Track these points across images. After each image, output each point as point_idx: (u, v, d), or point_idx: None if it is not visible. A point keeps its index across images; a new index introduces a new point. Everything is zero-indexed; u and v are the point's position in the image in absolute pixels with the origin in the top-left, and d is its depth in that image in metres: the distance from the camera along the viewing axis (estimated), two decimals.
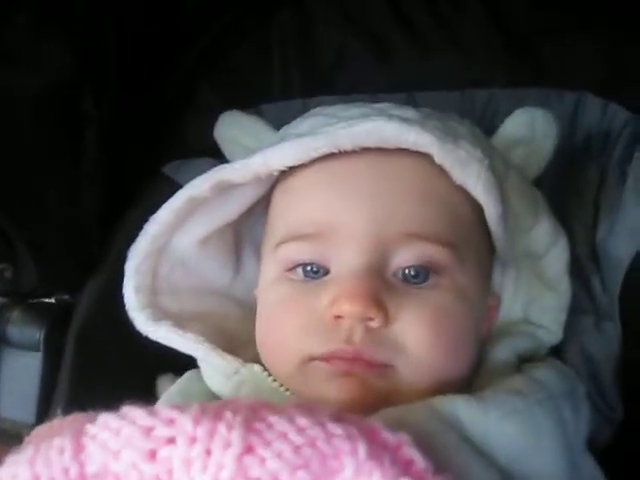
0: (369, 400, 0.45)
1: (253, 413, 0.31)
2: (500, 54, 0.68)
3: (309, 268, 0.50)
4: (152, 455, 0.30)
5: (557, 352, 0.58)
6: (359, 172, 0.50)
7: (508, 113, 0.61)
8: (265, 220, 0.58)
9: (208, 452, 0.29)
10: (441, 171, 0.49)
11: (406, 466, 0.32)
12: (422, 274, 0.48)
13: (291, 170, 0.52)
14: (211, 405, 0.32)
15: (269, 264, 0.53)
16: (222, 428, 0.30)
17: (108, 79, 0.62)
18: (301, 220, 0.51)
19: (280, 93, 0.73)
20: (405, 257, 0.48)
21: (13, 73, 0.53)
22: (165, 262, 0.57)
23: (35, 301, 0.61)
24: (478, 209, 0.51)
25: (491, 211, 0.50)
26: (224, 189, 0.53)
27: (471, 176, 0.48)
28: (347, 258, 0.48)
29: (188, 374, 0.56)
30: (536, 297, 0.58)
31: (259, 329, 0.53)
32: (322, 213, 0.50)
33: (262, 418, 0.31)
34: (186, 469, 0.29)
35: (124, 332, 0.55)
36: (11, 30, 0.53)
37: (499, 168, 0.52)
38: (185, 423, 0.30)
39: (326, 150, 0.49)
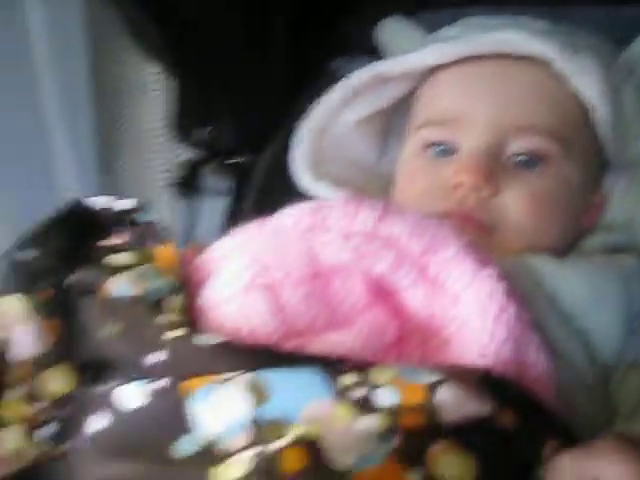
0: None
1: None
2: None
3: (440, 148, 0.63)
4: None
5: None
6: (487, 73, 0.61)
7: None
8: (409, 114, 0.71)
9: (356, 213, 0.46)
10: (560, 78, 0.59)
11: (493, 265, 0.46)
12: (532, 161, 0.60)
13: (436, 68, 0.65)
14: None
15: (409, 144, 0.67)
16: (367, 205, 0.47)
17: None
18: (438, 109, 0.64)
19: (435, 2, 0.83)
20: (519, 145, 0.60)
21: None
22: (326, 138, 0.72)
23: (226, 159, 0.81)
24: (590, 116, 0.60)
25: (603, 117, 0.59)
26: (381, 81, 0.67)
27: (587, 83, 0.58)
28: (470, 141, 0.60)
29: None
30: None
31: (395, 193, 0.68)
32: (455, 104, 0.63)
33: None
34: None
35: (293, 192, 0.72)
36: None
37: (616, 78, 0.61)
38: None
39: (464, 54, 0.61)
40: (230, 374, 0.39)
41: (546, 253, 0.59)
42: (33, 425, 0.39)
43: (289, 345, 0.44)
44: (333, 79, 0.72)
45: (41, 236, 0.49)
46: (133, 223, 0.55)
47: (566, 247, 0.63)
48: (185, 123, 0.77)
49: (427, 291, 0.46)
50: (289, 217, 0.49)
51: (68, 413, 0.39)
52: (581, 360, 0.50)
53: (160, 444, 0.36)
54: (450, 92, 0.64)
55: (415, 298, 0.47)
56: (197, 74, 0.74)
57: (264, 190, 0.77)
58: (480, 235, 0.59)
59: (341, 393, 0.37)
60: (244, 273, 0.48)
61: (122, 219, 0.53)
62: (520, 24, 0.62)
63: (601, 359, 0.52)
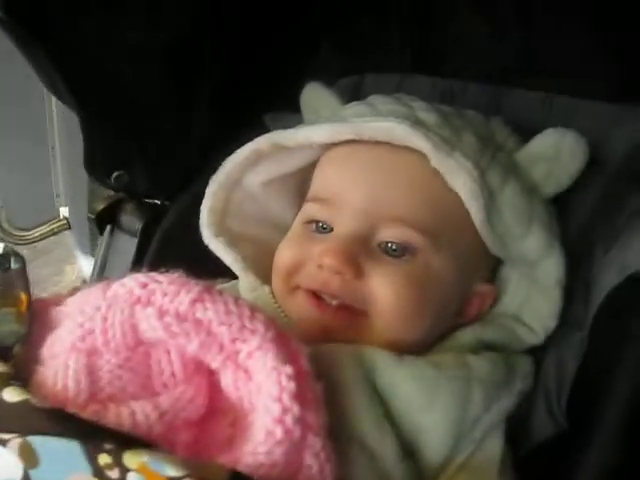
0: (330, 335, 0.62)
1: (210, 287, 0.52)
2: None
3: (319, 225, 0.67)
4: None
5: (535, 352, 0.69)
6: (371, 159, 0.65)
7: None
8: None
9: (177, 293, 0.51)
10: (438, 173, 0.63)
11: (295, 362, 0.50)
12: (399, 250, 0.63)
13: (329, 145, 0.69)
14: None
15: (299, 215, 0.72)
16: (188, 287, 0.52)
17: (230, 35, 0.82)
18: (321, 187, 0.69)
19: (387, 65, 0.88)
20: (388, 234, 0.63)
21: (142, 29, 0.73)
22: (238, 193, 0.77)
23: (144, 200, 0.86)
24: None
25: (475, 215, 0.63)
26: (283, 148, 0.72)
27: (459, 183, 0.62)
28: (343, 224, 0.64)
29: (233, 282, 0.76)
30: (529, 298, 0.69)
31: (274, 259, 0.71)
32: (333, 186, 0.67)
33: (215, 291, 0.52)
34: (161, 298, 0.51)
35: (197, 240, 0.77)
36: None
37: (494, 179, 0.64)
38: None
39: (350, 137, 0.65)
40: (8, 435, 0.44)
41: (410, 349, 0.62)
42: None
43: (91, 408, 0.49)
44: (266, 132, 0.76)
45: None
46: (3, 268, 0.60)
47: (437, 338, 0.67)
48: (100, 166, 0.82)
49: (237, 376, 0.50)
50: (122, 286, 0.54)
51: None
52: (391, 458, 0.55)
53: None
54: (332, 172, 0.68)
55: (225, 381, 0.51)
56: (107, 122, 0.78)
57: (169, 237, 0.82)
58: (351, 320, 0.63)
59: (100, 471, 0.42)
60: (72, 333, 0.53)
61: None
62: (410, 113, 0.66)
63: (427, 458, 0.57)
